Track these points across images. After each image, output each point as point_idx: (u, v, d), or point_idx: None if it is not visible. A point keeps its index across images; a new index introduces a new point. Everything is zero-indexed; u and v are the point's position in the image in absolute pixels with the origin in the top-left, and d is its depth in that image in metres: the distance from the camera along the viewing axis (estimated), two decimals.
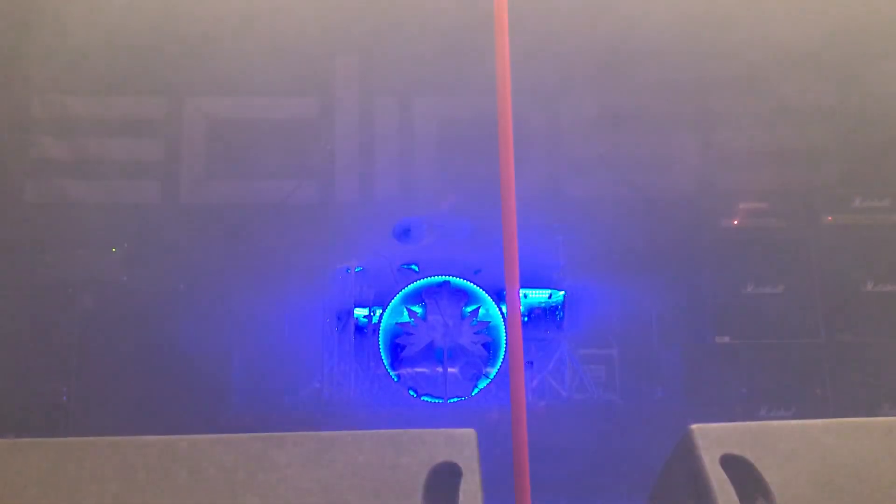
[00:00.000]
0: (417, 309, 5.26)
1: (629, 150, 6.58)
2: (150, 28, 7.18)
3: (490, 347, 5.21)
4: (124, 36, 7.23)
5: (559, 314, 5.59)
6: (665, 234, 6.08)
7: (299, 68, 7.38)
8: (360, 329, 5.70)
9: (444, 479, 1.89)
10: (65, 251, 6.25)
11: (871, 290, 6.17)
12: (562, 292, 5.59)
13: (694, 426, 1.96)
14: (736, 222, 6.27)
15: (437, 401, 5.07)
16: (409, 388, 5.14)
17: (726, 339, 5.87)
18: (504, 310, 5.17)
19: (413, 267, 5.68)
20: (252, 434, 2.02)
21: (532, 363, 5.16)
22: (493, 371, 5.18)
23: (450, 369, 5.08)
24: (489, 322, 5.23)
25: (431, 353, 5.19)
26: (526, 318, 5.48)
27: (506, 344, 5.10)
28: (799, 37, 6.69)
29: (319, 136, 6.53)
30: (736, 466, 1.94)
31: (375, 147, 7.92)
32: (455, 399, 5.09)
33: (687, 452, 1.93)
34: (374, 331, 5.34)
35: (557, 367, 5.71)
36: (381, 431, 2.02)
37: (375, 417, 4.96)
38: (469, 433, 1.91)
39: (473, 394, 5.15)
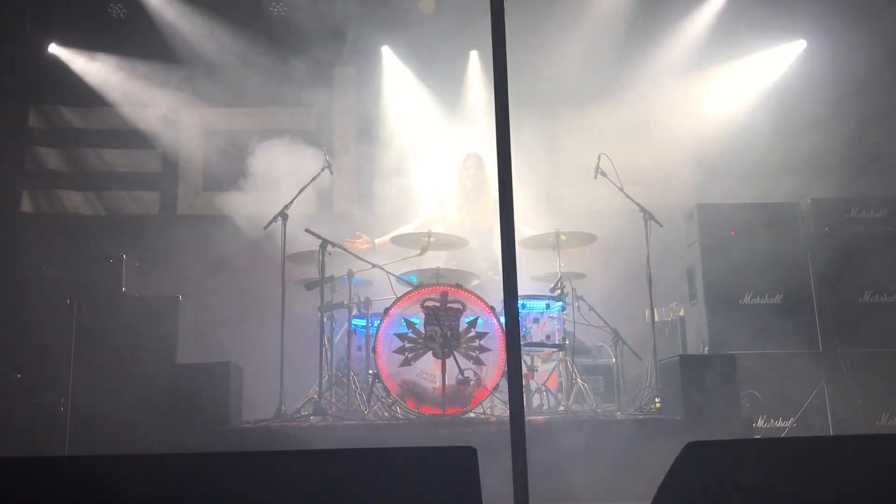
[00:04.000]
0: (415, 320, 5.25)
1: None
2: None
3: (488, 358, 5.19)
4: None
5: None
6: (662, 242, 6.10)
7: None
8: (357, 340, 5.69)
9: (444, 498, 1.88)
10: (62, 262, 6.25)
11: (867, 301, 6.19)
12: (559, 302, 5.59)
13: (692, 443, 1.96)
14: (733, 233, 6.28)
15: (435, 413, 5.05)
16: (407, 400, 5.12)
17: (725, 349, 5.87)
18: (503, 320, 5.16)
19: (411, 277, 5.68)
20: (249, 451, 2.02)
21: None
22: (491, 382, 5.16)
23: (448, 381, 5.07)
24: (487, 333, 5.22)
25: (429, 365, 5.17)
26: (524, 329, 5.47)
27: (504, 355, 5.10)
28: None
29: (318, 146, 6.55)
30: (733, 483, 1.94)
31: (374, 156, 7.94)
32: (453, 411, 5.07)
33: (685, 469, 1.92)
34: (371, 342, 5.33)
35: (556, 378, 5.71)
36: (380, 449, 2.01)
37: (373, 431, 4.94)
38: (469, 450, 1.90)
39: (472, 406, 5.13)
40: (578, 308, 5.77)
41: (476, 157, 6.60)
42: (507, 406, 2.79)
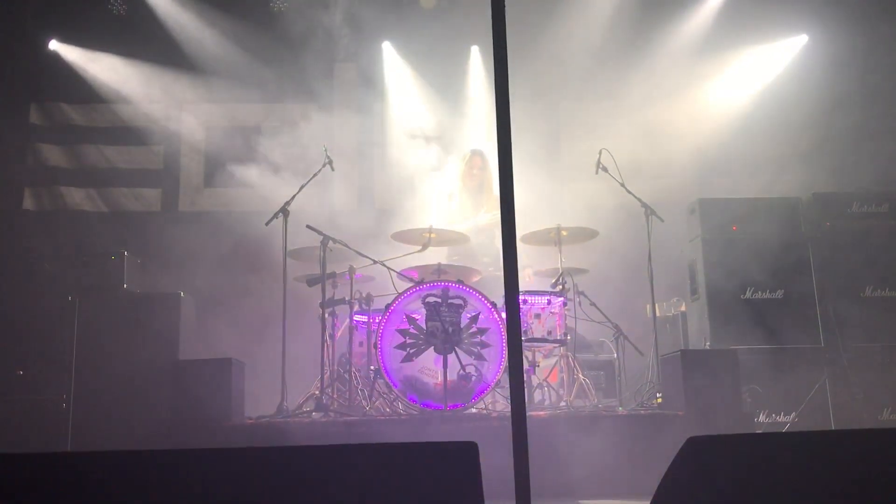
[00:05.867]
0: (416, 315, 5.25)
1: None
2: None
3: (490, 354, 5.19)
4: None
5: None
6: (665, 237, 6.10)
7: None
8: (358, 336, 5.70)
9: (445, 493, 1.89)
10: (64, 258, 6.25)
11: (869, 296, 6.19)
12: (561, 298, 5.59)
13: (693, 437, 1.96)
14: (734, 228, 6.28)
15: (436, 409, 5.06)
16: (409, 396, 5.13)
17: (727, 344, 5.87)
18: (504, 316, 5.16)
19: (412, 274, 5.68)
20: (251, 447, 2.02)
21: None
22: (492, 377, 5.17)
23: (449, 376, 5.07)
24: (489, 328, 5.23)
25: (430, 360, 5.18)
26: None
27: (506, 350, 5.10)
28: None
29: (319, 142, 6.55)
30: (734, 478, 1.94)
31: (375, 152, 7.94)
32: (455, 407, 5.08)
33: (686, 464, 1.93)
34: (372, 338, 5.34)
35: (558, 374, 5.72)
36: (382, 444, 2.02)
37: (375, 427, 4.95)
38: (470, 445, 1.91)
39: (473, 401, 5.14)
40: (580, 303, 5.77)
41: (480, 153, 6.62)
42: (509, 401, 2.79)
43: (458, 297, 5.26)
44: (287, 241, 5.70)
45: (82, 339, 5.87)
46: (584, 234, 5.93)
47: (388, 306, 5.29)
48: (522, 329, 5.31)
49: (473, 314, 5.24)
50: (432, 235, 5.69)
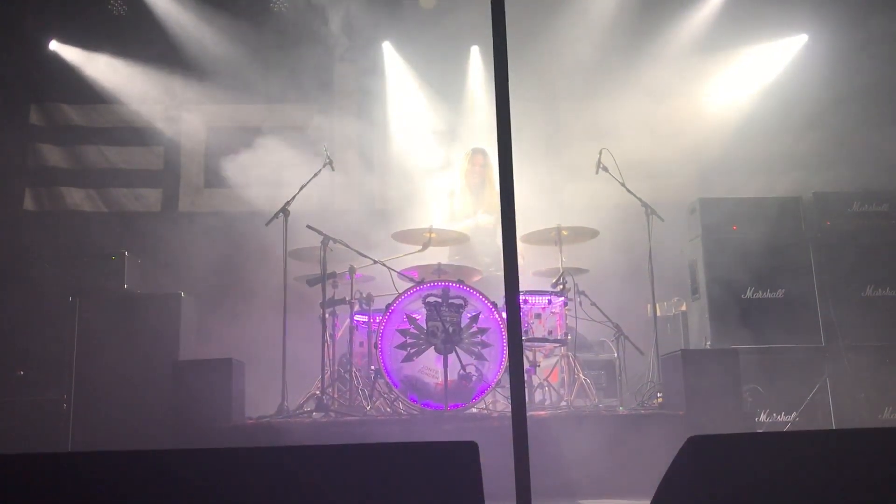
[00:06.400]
0: (417, 315, 5.25)
1: None
2: None
3: (490, 354, 5.19)
4: None
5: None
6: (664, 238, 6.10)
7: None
8: (359, 336, 5.70)
9: (445, 493, 1.89)
10: (64, 259, 6.25)
11: (869, 295, 6.19)
12: (561, 298, 5.59)
13: (693, 437, 1.96)
14: (735, 228, 6.28)
15: (437, 408, 5.06)
16: (409, 396, 5.13)
17: (727, 343, 5.87)
18: (504, 315, 5.16)
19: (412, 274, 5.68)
20: (251, 447, 2.02)
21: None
22: (493, 377, 5.17)
23: (450, 376, 5.07)
24: (489, 328, 5.22)
25: (431, 360, 5.18)
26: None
27: (506, 350, 5.10)
28: None
29: (319, 142, 6.55)
30: (735, 478, 1.94)
31: (375, 152, 7.94)
32: (455, 406, 5.07)
33: (686, 464, 1.92)
34: (373, 338, 5.34)
35: (559, 373, 5.72)
36: (382, 444, 2.02)
37: (375, 427, 4.94)
38: (470, 445, 1.90)
39: (474, 401, 5.14)
40: (580, 303, 5.77)
41: (482, 151, 6.62)
42: (509, 401, 2.79)
43: (458, 296, 5.26)
44: (287, 241, 5.70)
45: (82, 339, 5.86)
46: (584, 234, 5.93)
47: (388, 306, 5.29)
48: (523, 329, 5.31)
49: (474, 314, 5.24)
50: (432, 235, 5.68)
